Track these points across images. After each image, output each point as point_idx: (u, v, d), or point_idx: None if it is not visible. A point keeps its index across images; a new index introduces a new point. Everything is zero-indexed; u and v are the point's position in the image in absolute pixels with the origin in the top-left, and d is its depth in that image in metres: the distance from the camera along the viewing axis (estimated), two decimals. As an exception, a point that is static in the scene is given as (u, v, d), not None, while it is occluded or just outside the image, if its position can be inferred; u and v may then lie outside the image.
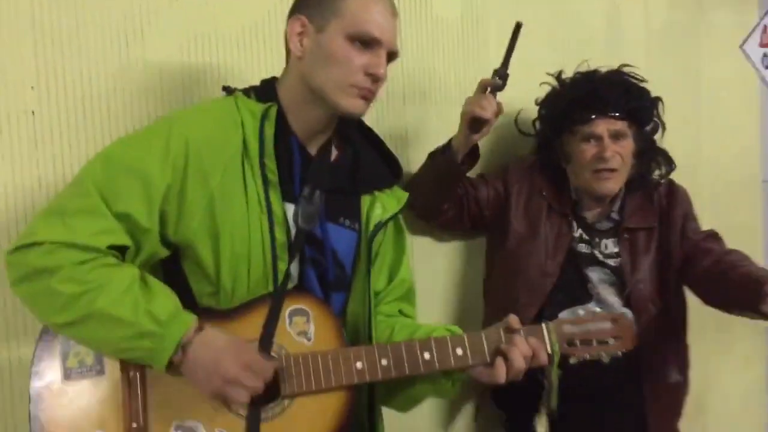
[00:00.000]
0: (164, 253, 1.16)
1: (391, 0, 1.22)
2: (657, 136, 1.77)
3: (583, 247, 1.71)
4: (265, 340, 1.13)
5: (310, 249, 1.21)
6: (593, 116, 1.65)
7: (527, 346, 1.18)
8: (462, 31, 1.89)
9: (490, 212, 1.77)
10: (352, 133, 1.31)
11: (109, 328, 1.06)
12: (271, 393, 1.12)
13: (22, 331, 1.38)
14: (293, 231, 1.18)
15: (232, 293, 1.16)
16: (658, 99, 1.75)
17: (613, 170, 1.65)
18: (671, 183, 1.78)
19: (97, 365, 1.12)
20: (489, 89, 1.57)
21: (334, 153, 1.27)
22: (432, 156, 1.68)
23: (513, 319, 1.21)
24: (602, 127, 1.65)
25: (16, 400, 1.38)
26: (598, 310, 1.29)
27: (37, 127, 1.39)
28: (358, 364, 1.16)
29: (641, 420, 1.66)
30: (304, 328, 1.16)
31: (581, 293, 1.67)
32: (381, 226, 1.27)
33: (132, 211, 1.10)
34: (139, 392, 1.10)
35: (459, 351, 1.19)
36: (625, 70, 1.74)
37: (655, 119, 1.75)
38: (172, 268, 1.18)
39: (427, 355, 1.18)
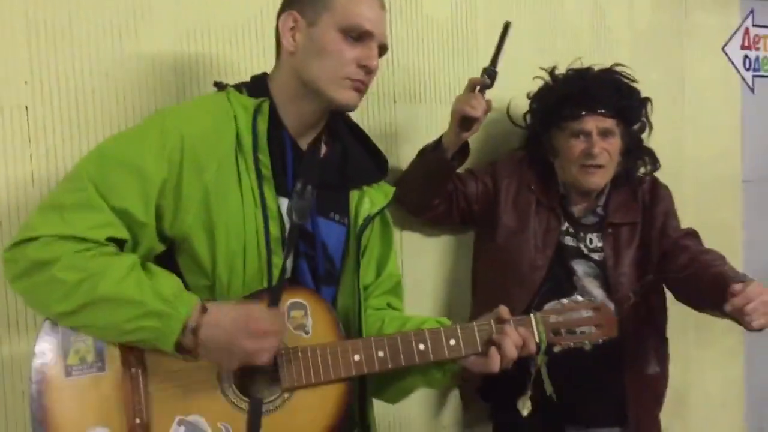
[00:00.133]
0: (160, 247, 1.17)
1: None
2: (644, 136, 1.80)
3: (569, 241, 1.74)
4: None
5: (303, 243, 1.23)
6: (583, 113, 1.68)
7: (518, 336, 1.21)
8: (451, 30, 1.91)
9: (479, 207, 1.79)
10: (340, 129, 1.32)
11: (114, 310, 1.06)
12: (272, 384, 1.15)
13: (23, 328, 1.38)
14: (287, 225, 1.20)
15: (228, 286, 1.17)
16: (647, 99, 1.78)
17: (600, 166, 1.68)
18: (654, 180, 1.82)
19: (98, 362, 1.11)
20: (478, 88, 1.59)
21: (323, 149, 1.29)
22: (422, 153, 1.70)
23: (503, 310, 1.24)
24: (591, 123, 1.68)
25: (17, 398, 1.38)
26: (580, 299, 1.33)
27: (31, 122, 1.39)
28: (356, 357, 1.18)
29: (621, 409, 1.69)
30: (302, 321, 1.18)
31: (567, 286, 1.70)
32: (370, 220, 1.29)
33: (128, 205, 1.10)
34: (141, 388, 1.11)
35: (452, 342, 1.21)
36: (617, 69, 1.77)
37: (643, 119, 1.78)
38: (166, 263, 1.18)
39: (422, 346, 1.20)
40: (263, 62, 1.28)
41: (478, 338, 1.22)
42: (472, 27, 1.94)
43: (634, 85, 1.76)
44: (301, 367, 1.15)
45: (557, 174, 1.77)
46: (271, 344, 1.09)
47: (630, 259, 1.72)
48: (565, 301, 1.31)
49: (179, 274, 1.18)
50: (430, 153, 1.67)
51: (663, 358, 1.78)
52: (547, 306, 1.32)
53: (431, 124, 1.82)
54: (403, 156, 1.80)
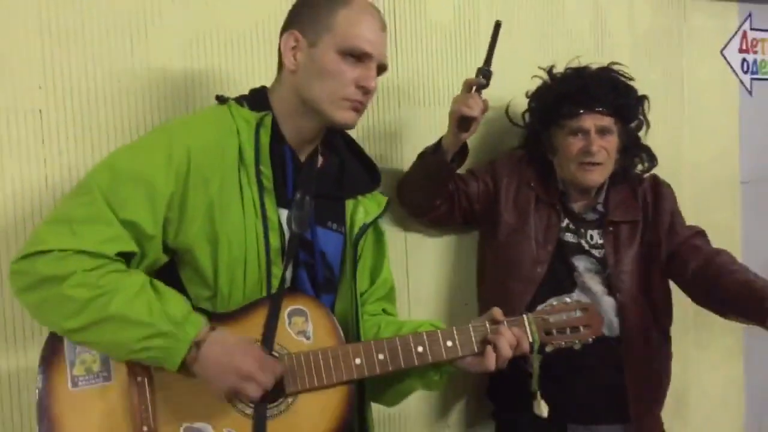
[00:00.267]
0: (164, 259, 1.19)
1: (380, 15, 1.27)
2: (641, 134, 1.82)
3: (570, 237, 1.76)
4: (267, 340, 1.17)
5: (302, 252, 1.25)
6: (581, 111, 1.70)
7: (512, 336, 1.26)
8: (454, 33, 1.94)
9: (481, 206, 1.82)
10: (336, 142, 1.36)
11: (124, 330, 1.08)
12: (275, 391, 1.16)
13: (29, 339, 1.40)
14: (287, 235, 1.22)
15: (228, 297, 1.19)
16: (644, 97, 1.80)
17: (598, 164, 1.70)
18: (656, 178, 1.83)
19: (104, 372, 1.12)
20: (474, 88, 1.61)
21: (320, 160, 1.32)
22: (422, 155, 1.72)
23: (496, 311, 1.28)
24: (590, 122, 1.70)
25: (24, 410, 1.40)
26: (569, 300, 1.36)
27: (44, 126, 1.42)
28: (357, 360, 1.20)
29: (623, 407, 1.70)
30: (303, 327, 1.20)
31: (568, 282, 1.72)
32: (366, 228, 1.32)
33: (138, 218, 1.12)
34: (147, 396, 1.12)
35: (449, 343, 1.25)
36: (614, 68, 1.79)
37: (640, 116, 1.80)
38: (167, 274, 1.19)
39: (420, 349, 1.24)
40: (271, 69, 1.30)
41: (474, 339, 1.26)
42: (474, 30, 1.97)
43: (631, 83, 1.78)
44: (304, 372, 1.18)
45: (556, 172, 1.79)
46: (266, 379, 1.11)
47: (631, 257, 1.73)
48: (554, 302, 1.36)
49: (181, 286, 1.20)
50: (430, 155, 1.69)
51: (666, 356, 1.80)
52: (539, 308, 1.35)
53: (435, 126, 1.84)
54: (407, 157, 1.83)
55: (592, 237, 1.76)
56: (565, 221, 1.77)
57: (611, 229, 1.75)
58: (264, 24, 1.63)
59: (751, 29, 2.59)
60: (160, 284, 1.14)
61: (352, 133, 1.73)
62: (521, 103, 1.88)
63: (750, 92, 2.60)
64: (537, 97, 1.83)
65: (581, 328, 1.34)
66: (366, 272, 1.39)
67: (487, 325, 1.27)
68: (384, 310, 1.40)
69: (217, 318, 1.17)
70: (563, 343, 1.33)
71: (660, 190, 1.81)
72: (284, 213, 1.23)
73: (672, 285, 1.81)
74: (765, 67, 2.66)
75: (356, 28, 1.22)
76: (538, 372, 1.31)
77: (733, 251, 1.72)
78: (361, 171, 1.38)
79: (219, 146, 1.18)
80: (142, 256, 1.15)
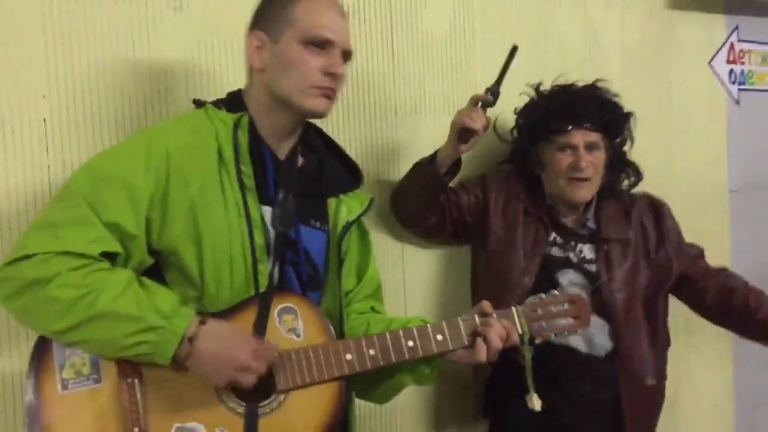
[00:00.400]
0: (149, 261, 1.19)
1: (339, 2, 1.29)
2: (627, 148, 1.85)
3: (556, 251, 1.77)
4: (257, 338, 1.16)
5: (288, 250, 1.26)
6: (570, 127, 1.73)
7: (502, 327, 1.27)
8: (449, 45, 1.97)
9: (471, 218, 1.84)
10: (315, 142, 1.37)
11: (113, 326, 1.08)
12: (266, 389, 1.16)
13: (16, 344, 1.39)
14: (271, 233, 1.23)
15: (216, 297, 1.19)
16: (630, 113, 1.84)
17: (586, 179, 1.73)
18: (651, 198, 1.87)
19: (94, 374, 1.12)
20: (480, 104, 1.63)
21: (300, 160, 1.33)
22: (417, 166, 1.75)
23: (486, 304, 1.30)
24: (578, 138, 1.73)
25: (18, 413, 1.39)
26: (557, 293, 1.37)
27: (48, 134, 1.44)
28: (348, 356, 1.21)
29: (619, 421, 1.71)
30: (293, 325, 1.21)
31: None
32: (349, 226, 1.33)
33: (120, 220, 1.13)
34: (138, 397, 1.11)
35: (439, 337, 1.26)
36: (600, 85, 1.82)
37: (626, 132, 1.83)
38: (153, 278, 1.19)
39: (411, 343, 1.24)
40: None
41: (464, 332, 1.27)
42: (469, 41, 2.00)
43: (617, 100, 1.82)
44: (295, 369, 1.18)
45: (544, 186, 1.82)
46: (261, 367, 1.12)
47: (623, 275, 1.75)
48: (543, 295, 1.37)
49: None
50: (425, 166, 1.72)
51: (661, 370, 1.81)
52: (528, 300, 1.37)
53: (430, 134, 1.86)
54: (402, 165, 1.85)
55: (581, 251, 1.78)
56: (552, 235, 1.78)
57: (605, 247, 1.76)
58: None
59: (739, 41, 2.63)
60: (146, 279, 1.15)
61: (349, 135, 1.75)
62: (509, 118, 1.91)
63: (737, 102, 2.64)
64: (525, 114, 1.85)
65: (570, 320, 1.35)
66: (352, 270, 1.40)
67: (477, 317, 1.28)
68: (372, 308, 1.41)
69: (207, 316, 1.16)
70: (553, 334, 1.34)
71: (660, 209, 1.84)
72: (267, 211, 1.24)
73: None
74: (752, 77, 2.69)
75: (316, 17, 1.23)
76: (531, 365, 1.31)
77: (722, 258, 1.78)
78: (341, 170, 1.39)
79: (198, 147, 1.20)
80: (126, 258, 1.16)
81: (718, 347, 2.58)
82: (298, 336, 1.21)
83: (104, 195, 1.13)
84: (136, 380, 1.12)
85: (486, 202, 1.83)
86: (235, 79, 1.61)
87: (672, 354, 1.89)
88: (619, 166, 1.83)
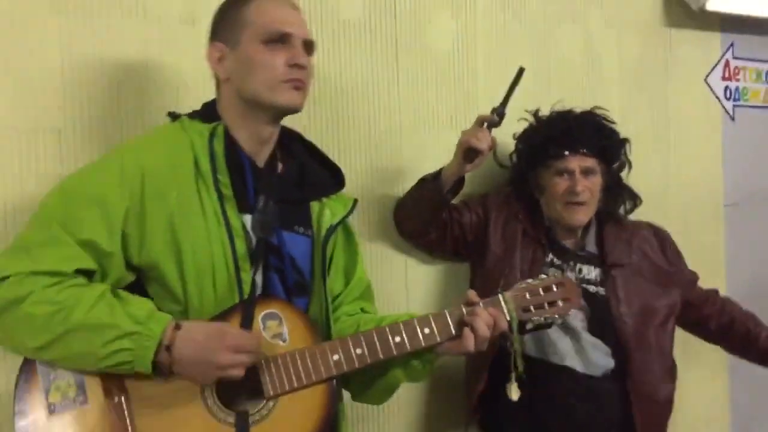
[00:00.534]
0: (129, 277, 1.19)
1: None
2: (624, 174, 1.89)
3: (552, 272, 1.78)
4: None
5: (272, 257, 1.26)
6: (567, 152, 1.76)
7: (488, 315, 1.26)
8: (453, 62, 2.01)
9: (473, 236, 1.87)
10: (294, 147, 1.37)
11: (89, 337, 1.08)
12: (255, 395, 1.16)
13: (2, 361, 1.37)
14: (254, 241, 1.23)
15: (200, 308, 1.19)
16: (626, 140, 1.87)
17: (582, 203, 1.76)
18: (653, 225, 1.91)
19: (80, 396, 1.11)
20: (486, 124, 1.66)
21: (280, 167, 1.33)
22: (422, 181, 1.78)
23: (471, 294, 1.29)
24: (575, 163, 1.76)
25: None
26: (545, 276, 1.37)
27: (63, 145, 1.46)
28: (335, 357, 1.20)
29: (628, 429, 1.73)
30: (278, 330, 1.20)
31: None
32: (333, 229, 1.33)
33: (94, 237, 1.13)
34: (126, 416, 1.12)
35: (426, 330, 1.25)
36: (597, 111, 1.86)
37: (623, 158, 1.87)
38: (137, 293, 1.19)
39: (397, 339, 1.23)
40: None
41: (451, 323, 1.26)
42: (472, 58, 2.04)
43: (614, 126, 1.85)
44: (283, 374, 1.17)
45: (543, 209, 1.85)
46: (244, 359, 1.12)
47: (632, 299, 1.77)
48: (530, 280, 1.35)
49: None
50: (429, 183, 1.75)
51: (671, 382, 1.84)
52: (515, 286, 1.34)
53: (435, 151, 1.89)
54: (407, 179, 1.88)
55: (581, 270, 1.80)
56: (550, 256, 1.81)
57: (612, 272, 1.78)
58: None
59: (734, 58, 2.66)
60: (121, 291, 1.15)
61: (355, 151, 1.78)
62: (509, 143, 1.94)
63: (732, 118, 2.66)
64: (524, 139, 1.89)
65: (560, 302, 1.32)
66: (340, 273, 1.39)
67: (463, 308, 1.27)
68: (362, 309, 1.40)
69: None
70: (542, 318, 1.31)
71: (664, 236, 1.89)
72: (248, 219, 1.24)
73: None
74: (746, 94, 2.71)
75: (269, 14, 1.24)
76: (520, 351, 1.30)
77: (716, 271, 1.82)
78: (323, 173, 1.39)
79: (172, 161, 1.20)
80: (103, 275, 1.16)
81: (713, 359, 2.60)
82: (283, 341, 1.20)
83: (77, 214, 1.13)
84: (123, 398, 1.12)
85: (486, 221, 1.86)
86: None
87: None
88: (616, 190, 1.87)
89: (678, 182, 2.49)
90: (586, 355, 1.72)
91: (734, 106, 2.69)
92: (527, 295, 1.31)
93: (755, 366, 2.01)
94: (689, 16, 2.46)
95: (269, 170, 1.30)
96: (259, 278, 1.23)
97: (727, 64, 2.65)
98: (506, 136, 1.91)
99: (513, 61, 1.70)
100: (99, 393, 1.12)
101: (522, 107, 1.90)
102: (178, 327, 1.12)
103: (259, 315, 1.19)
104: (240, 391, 1.17)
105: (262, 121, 1.27)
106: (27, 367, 1.13)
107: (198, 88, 1.56)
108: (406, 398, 1.94)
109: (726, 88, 2.65)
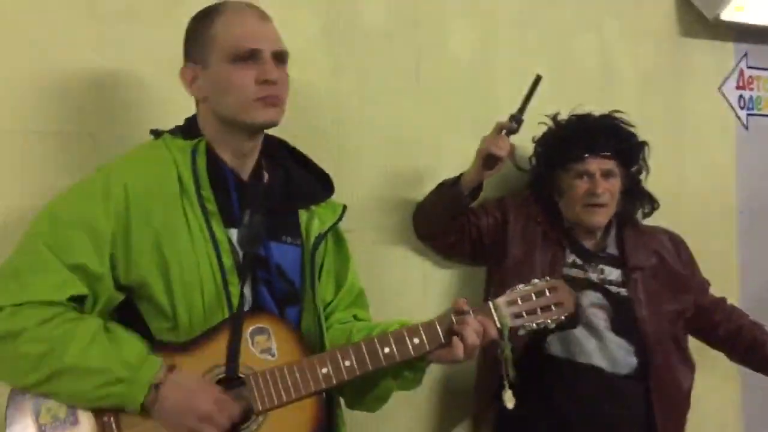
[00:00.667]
0: (119, 297, 1.19)
1: (257, 8, 1.26)
2: (641, 177, 1.91)
3: (574, 272, 1.81)
4: (231, 363, 1.16)
5: (261, 270, 1.25)
6: (586, 155, 1.79)
7: (477, 323, 1.24)
8: (473, 70, 2.05)
9: (490, 240, 1.89)
10: (280, 155, 1.36)
11: (81, 379, 1.09)
12: (244, 414, 1.15)
13: None
14: (240, 255, 1.22)
15: (189, 324, 1.18)
16: (644, 143, 1.90)
17: (602, 205, 1.79)
18: (669, 231, 1.94)
19: (71, 416, 1.11)
20: (504, 131, 1.69)
21: (266, 177, 1.32)
22: (441, 186, 1.82)
23: (461, 302, 1.27)
24: (594, 165, 1.79)
25: None
26: (536, 281, 1.34)
27: (96, 149, 1.50)
28: (324, 370, 1.19)
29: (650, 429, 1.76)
30: (266, 345, 1.19)
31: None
32: (322, 238, 1.32)
33: (84, 260, 1.13)
34: None
35: (416, 340, 1.24)
36: (616, 114, 1.89)
37: (641, 161, 1.89)
38: (128, 311, 1.20)
39: (387, 349, 1.22)
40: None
41: (440, 332, 1.25)
42: (491, 66, 2.08)
43: (632, 129, 1.88)
44: (271, 389, 1.16)
45: (562, 211, 1.87)
46: (224, 420, 1.11)
47: (653, 300, 1.80)
48: (521, 285, 1.33)
49: (142, 321, 1.20)
50: (449, 187, 1.78)
51: (691, 374, 1.87)
52: (507, 292, 1.33)
53: (454, 158, 1.91)
54: (427, 187, 1.90)
55: (603, 271, 1.82)
56: (572, 257, 1.83)
57: (634, 276, 1.81)
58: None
59: (748, 67, 2.67)
60: (115, 326, 1.16)
61: (376, 157, 1.80)
62: (528, 146, 1.96)
63: (746, 127, 2.68)
64: (543, 142, 1.92)
65: (552, 307, 1.31)
66: (331, 280, 1.39)
67: (453, 316, 1.25)
68: (355, 316, 1.39)
69: (179, 347, 1.17)
70: (534, 324, 1.30)
71: (680, 242, 1.93)
72: (234, 233, 1.23)
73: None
74: (760, 103, 2.72)
75: (234, 31, 1.21)
76: (511, 358, 1.29)
77: (729, 278, 1.85)
78: (310, 181, 1.38)
79: (156, 179, 1.20)
80: (95, 298, 1.16)
81: (726, 365, 2.60)
82: (272, 356, 1.19)
83: (65, 238, 1.13)
84: (113, 419, 1.12)
85: (505, 223, 1.88)
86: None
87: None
88: (634, 194, 1.90)
89: (691, 190, 2.51)
90: (611, 353, 1.75)
91: (748, 114, 2.71)
92: (519, 301, 1.30)
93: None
94: (704, 25, 2.48)
95: (254, 182, 1.29)
96: (248, 291, 1.23)
97: (741, 73, 2.67)
98: (525, 140, 1.94)
99: (531, 70, 1.73)
100: (89, 414, 1.12)
101: (539, 114, 1.92)
102: (171, 370, 1.13)
103: (248, 330, 1.18)
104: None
105: (241, 138, 1.26)
106: (17, 390, 1.13)
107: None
108: (416, 398, 1.95)
109: (740, 97, 2.67)
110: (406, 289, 1.93)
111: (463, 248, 1.91)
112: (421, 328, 1.25)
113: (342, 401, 1.38)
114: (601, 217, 1.81)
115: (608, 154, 1.81)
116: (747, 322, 1.95)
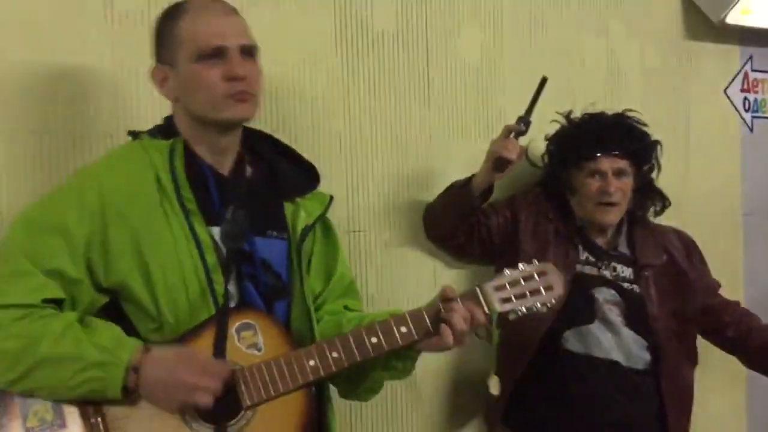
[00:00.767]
0: (102, 300, 1.19)
1: (221, 2, 1.24)
2: (653, 176, 1.93)
3: (588, 269, 1.82)
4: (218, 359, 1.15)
5: (245, 265, 1.24)
6: (599, 154, 1.80)
7: (465, 310, 1.23)
8: (481, 72, 2.06)
9: (500, 239, 1.89)
10: (263, 148, 1.35)
11: (56, 369, 1.09)
12: (232, 407, 1.15)
13: None
14: (224, 251, 1.22)
15: (175, 324, 1.18)
16: (657, 142, 1.91)
17: (614, 204, 1.80)
18: (677, 230, 1.96)
19: (58, 419, 1.11)
20: (513, 134, 1.70)
21: (249, 171, 1.31)
22: (451, 187, 1.83)
23: (448, 289, 1.26)
24: (607, 164, 1.80)
25: None
26: (524, 266, 1.31)
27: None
28: (311, 362, 1.18)
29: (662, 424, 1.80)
30: (252, 340, 1.19)
31: (586, 312, 1.79)
32: (308, 230, 1.31)
33: (59, 266, 1.13)
34: None
35: (403, 329, 1.22)
36: (629, 114, 1.90)
37: (653, 160, 1.91)
38: (114, 312, 1.20)
39: (374, 339, 1.20)
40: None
41: (428, 320, 1.23)
42: (499, 69, 2.10)
43: (645, 128, 1.89)
44: (259, 383, 1.16)
45: (574, 209, 1.88)
46: (213, 383, 1.09)
47: (661, 299, 1.82)
48: (508, 270, 1.31)
49: (128, 322, 1.20)
50: (459, 189, 1.79)
51: (692, 384, 1.89)
52: (495, 277, 1.31)
53: (463, 160, 1.94)
54: (436, 189, 1.92)
55: (615, 269, 1.84)
56: (585, 254, 1.84)
57: (645, 273, 1.83)
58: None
59: (753, 70, 2.69)
60: (93, 319, 1.15)
61: (385, 159, 1.82)
62: (540, 145, 1.98)
63: (751, 129, 2.70)
64: (556, 141, 1.93)
65: (542, 291, 1.28)
66: (320, 272, 1.37)
67: (440, 304, 1.24)
68: (346, 307, 1.38)
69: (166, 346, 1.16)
70: (524, 308, 1.27)
71: (690, 242, 1.94)
72: (217, 231, 1.22)
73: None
74: (765, 105, 2.74)
75: (199, 29, 1.20)
76: (498, 343, 1.28)
77: (735, 281, 1.86)
78: (295, 173, 1.36)
79: (133, 181, 1.19)
80: (74, 302, 1.16)
81: (731, 367, 2.60)
82: (259, 350, 1.19)
83: (40, 244, 1.13)
84: (100, 419, 1.12)
85: (516, 222, 1.88)
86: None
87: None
88: (646, 192, 1.91)
89: (696, 192, 2.52)
90: (627, 348, 1.77)
91: (753, 117, 2.72)
92: (507, 286, 1.28)
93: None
94: (709, 28, 2.50)
95: (236, 177, 1.28)
96: (233, 288, 1.22)
97: (746, 76, 2.69)
98: (537, 140, 1.96)
99: (538, 72, 1.75)
100: (75, 415, 1.12)
101: (546, 116, 1.94)
102: (148, 350, 1.13)
103: (233, 326, 1.18)
104: (217, 403, 1.14)
105: (215, 135, 1.25)
106: (4, 394, 1.13)
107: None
108: (427, 394, 1.97)
109: (745, 99, 2.69)
110: (416, 289, 1.94)
111: (473, 248, 1.92)
112: (408, 317, 1.24)
113: (333, 397, 1.38)
114: (613, 216, 1.82)
115: (621, 153, 1.82)
116: (757, 325, 1.93)
